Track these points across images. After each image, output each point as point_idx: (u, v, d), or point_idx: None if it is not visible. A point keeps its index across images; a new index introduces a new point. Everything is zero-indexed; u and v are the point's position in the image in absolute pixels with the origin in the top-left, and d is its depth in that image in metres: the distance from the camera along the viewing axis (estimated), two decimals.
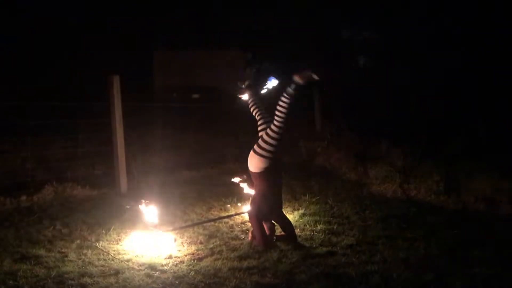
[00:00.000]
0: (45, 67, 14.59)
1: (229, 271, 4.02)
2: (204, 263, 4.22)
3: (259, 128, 4.89)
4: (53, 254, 4.46)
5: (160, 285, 3.81)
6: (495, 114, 9.11)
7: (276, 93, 4.86)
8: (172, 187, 7.16)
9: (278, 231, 4.91)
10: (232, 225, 5.46)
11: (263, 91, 5.13)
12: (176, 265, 4.20)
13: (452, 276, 3.89)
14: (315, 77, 4.62)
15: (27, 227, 5.27)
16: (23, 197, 6.34)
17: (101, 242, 4.80)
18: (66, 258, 4.35)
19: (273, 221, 4.85)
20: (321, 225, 5.26)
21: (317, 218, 5.54)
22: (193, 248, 4.65)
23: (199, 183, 7.57)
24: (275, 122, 4.60)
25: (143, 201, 5.11)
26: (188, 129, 10.34)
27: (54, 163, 7.63)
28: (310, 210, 5.93)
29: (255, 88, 5.20)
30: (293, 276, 3.93)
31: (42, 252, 4.49)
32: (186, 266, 4.17)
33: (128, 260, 4.31)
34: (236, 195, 6.51)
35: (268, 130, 4.65)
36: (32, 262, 4.22)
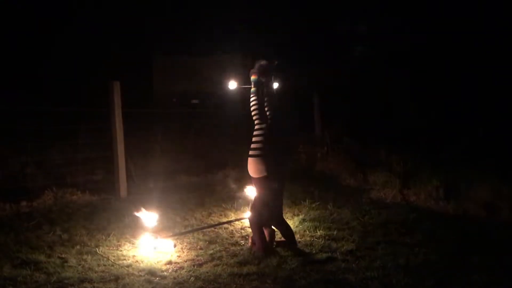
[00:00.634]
0: (46, 72, 14.60)
1: (229, 277, 4.02)
2: (204, 269, 4.22)
3: (258, 127, 4.76)
4: (53, 259, 4.46)
5: None
6: (494, 120, 9.13)
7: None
8: (172, 193, 7.16)
9: (278, 236, 4.91)
10: (232, 231, 5.46)
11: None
12: (176, 271, 4.20)
13: (451, 282, 3.89)
14: (258, 64, 4.71)
15: (27, 232, 5.26)
16: (23, 203, 6.33)
17: (101, 247, 4.80)
18: (66, 264, 4.35)
19: (273, 227, 4.85)
20: (321, 231, 5.26)
21: (317, 223, 5.53)
22: (193, 254, 4.65)
23: (199, 189, 7.56)
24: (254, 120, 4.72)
25: (142, 208, 5.09)
26: (187, 134, 10.36)
27: (54, 169, 7.63)
28: (310, 215, 5.93)
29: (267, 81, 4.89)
30: (293, 282, 3.93)
31: (42, 257, 4.48)
32: (186, 272, 4.17)
33: (128, 266, 4.31)
34: (236, 200, 6.52)
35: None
36: (32, 267, 4.22)
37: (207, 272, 4.14)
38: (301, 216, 5.89)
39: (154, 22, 17.16)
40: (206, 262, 4.40)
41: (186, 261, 4.43)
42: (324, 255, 4.52)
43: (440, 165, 7.25)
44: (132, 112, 8.20)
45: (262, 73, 4.81)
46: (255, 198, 4.89)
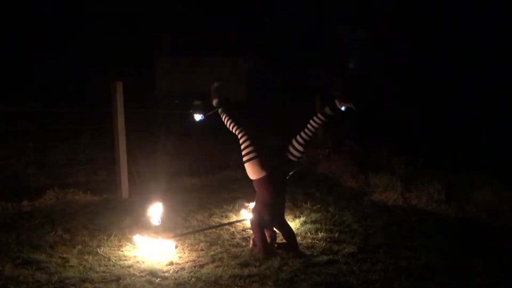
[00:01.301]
0: (48, 72, 14.63)
1: (230, 279, 4.02)
2: (205, 270, 4.22)
3: (241, 135, 4.91)
4: (54, 259, 4.46)
5: None
6: (497, 123, 9.12)
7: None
8: (174, 193, 7.16)
9: (280, 238, 4.91)
10: (233, 232, 5.46)
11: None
12: (177, 272, 4.20)
13: (453, 285, 3.89)
14: (351, 106, 4.82)
15: (28, 232, 5.27)
16: (25, 202, 6.34)
17: (102, 248, 4.81)
18: (67, 264, 4.35)
19: (274, 229, 4.85)
20: (322, 233, 5.26)
21: (319, 226, 5.53)
22: (194, 255, 4.66)
23: (201, 190, 7.56)
24: (303, 135, 4.82)
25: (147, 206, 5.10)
26: (190, 135, 10.36)
27: (55, 169, 7.65)
28: (311, 218, 5.92)
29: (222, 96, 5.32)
30: (294, 284, 3.93)
31: (43, 257, 4.49)
32: (187, 273, 4.17)
33: (129, 266, 4.32)
34: (237, 202, 6.52)
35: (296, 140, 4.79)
36: (34, 267, 4.23)
37: (208, 273, 4.14)
38: (302, 218, 5.89)
39: (157, 23, 17.18)
40: (207, 263, 4.40)
41: (187, 262, 4.44)
42: (326, 258, 4.52)
43: (442, 169, 7.23)
44: (134, 113, 8.21)
45: (219, 93, 5.29)
46: (256, 200, 4.89)
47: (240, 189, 7.21)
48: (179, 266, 4.33)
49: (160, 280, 4.01)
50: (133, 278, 4.05)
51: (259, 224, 4.72)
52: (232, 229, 5.55)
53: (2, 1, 14.78)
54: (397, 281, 3.92)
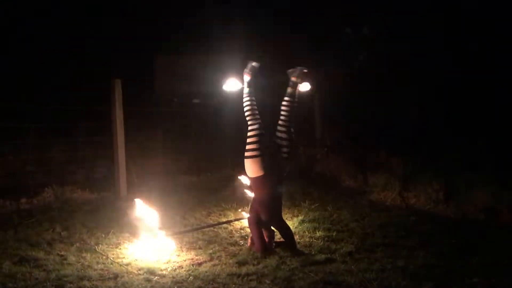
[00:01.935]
0: (46, 70, 14.61)
1: (227, 277, 4.02)
2: (203, 269, 4.22)
3: (251, 128, 4.78)
4: (52, 257, 4.46)
5: None
6: (495, 123, 9.13)
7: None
8: (172, 192, 7.17)
9: (277, 237, 4.91)
10: (231, 230, 5.47)
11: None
12: (175, 270, 4.20)
13: (450, 285, 3.89)
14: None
15: (26, 229, 5.27)
16: (23, 200, 6.35)
17: (100, 245, 4.81)
18: (65, 261, 4.35)
19: (272, 228, 4.86)
20: (320, 232, 5.27)
21: (316, 225, 5.54)
22: (192, 253, 4.66)
23: (199, 188, 7.57)
24: (280, 122, 4.82)
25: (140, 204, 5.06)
26: (188, 134, 10.36)
27: (54, 166, 7.64)
28: (309, 217, 5.93)
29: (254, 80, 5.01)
30: (292, 283, 3.93)
31: (41, 254, 4.49)
32: (185, 271, 4.18)
33: (127, 264, 4.32)
34: (235, 200, 6.52)
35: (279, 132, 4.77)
36: (31, 264, 4.22)
37: (206, 272, 4.14)
38: (300, 217, 5.90)
39: (157, 21, 17.16)
40: (205, 262, 4.41)
41: (185, 260, 4.44)
42: (323, 256, 4.52)
43: (440, 169, 7.24)
44: (133, 111, 8.20)
45: (254, 73, 4.95)
46: (254, 199, 4.90)
47: (238, 188, 7.19)
48: (177, 264, 4.33)
49: (158, 278, 4.01)
50: (131, 276, 4.05)
51: (257, 222, 4.72)
52: (230, 228, 5.56)
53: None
54: (395, 281, 3.92)
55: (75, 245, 4.78)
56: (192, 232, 5.30)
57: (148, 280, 3.96)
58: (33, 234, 5.10)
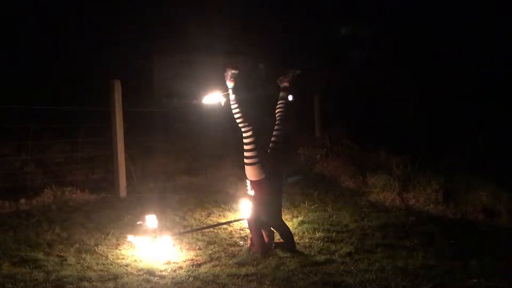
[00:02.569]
0: (45, 71, 14.61)
1: (227, 278, 4.03)
2: (202, 269, 4.23)
3: (246, 135, 4.71)
4: (52, 257, 4.47)
5: None
6: (493, 124, 9.14)
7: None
8: (171, 192, 7.17)
9: (277, 238, 4.92)
10: (231, 231, 5.47)
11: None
12: (174, 271, 4.20)
13: (450, 286, 3.90)
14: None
15: (26, 230, 5.28)
16: (23, 201, 6.35)
17: (100, 246, 4.81)
18: (65, 262, 4.36)
19: (272, 228, 4.86)
20: (319, 233, 5.27)
21: (316, 225, 5.54)
22: (191, 254, 4.66)
23: (198, 189, 7.57)
24: (276, 127, 4.83)
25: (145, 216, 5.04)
26: (187, 134, 10.37)
27: (53, 167, 7.65)
28: (309, 217, 5.93)
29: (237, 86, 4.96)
30: (292, 283, 3.94)
31: (41, 255, 4.50)
32: (184, 272, 4.18)
33: (126, 265, 4.32)
34: (235, 201, 6.52)
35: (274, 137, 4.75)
36: (31, 265, 4.23)
37: (206, 273, 4.14)
38: (300, 218, 5.90)
39: (156, 21, 17.17)
40: (204, 263, 4.41)
41: (185, 261, 4.44)
42: (323, 257, 4.53)
43: (439, 169, 7.25)
44: (133, 112, 8.21)
45: (236, 79, 4.87)
46: (254, 199, 4.90)
47: (238, 189, 7.20)
48: (177, 265, 4.34)
49: (157, 279, 4.02)
50: (131, 276, 4.05)
51: (257, 223, 4.72)
52: (230, 228, 5.56)
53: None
54: (394, 281, 3.93)
55: (74, 246, 4.78)
56: (191, 233, 5.30)
57: (148, 281, 3.97)
58: (32, 235, 5.11)
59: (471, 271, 4.17)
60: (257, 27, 16.91)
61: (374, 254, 4.61)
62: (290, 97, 5.07)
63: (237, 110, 4.74)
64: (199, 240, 5.06)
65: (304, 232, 5.32)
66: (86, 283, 3.88)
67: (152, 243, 4.76)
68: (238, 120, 4.74)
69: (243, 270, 4.18)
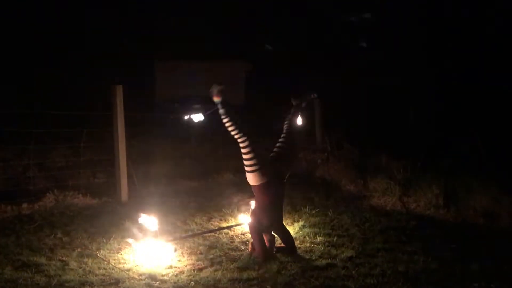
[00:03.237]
0: (48, 76, 14.66)
1: (228, 282, 4.04)
2: (204, 274, 4.24)
3: (243, 145, 4.71)
4: (53, 262, 4.48)
5: None
6: (494, 128, 9.14)
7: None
8: (173, 197, 7.18)
9: (278, 242, 4.92)
10: (232, 236, 5.48)
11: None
12: (176, 275, 4.21)
13: None
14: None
15: (28, 235, 5.29)
16: (24, 205, 6.36)
17: (101, 251, 4.82)
18: (66, 267, 4.37)
19: (273, 233, 4.87)
20: (320, 237, 5.28)
21: (317, 230, 5.55)
22: (193, 258, 4.67)
23: (200, 194, 7.58)
24: (283, 134, 4.98)
25: (142, 214, 5.05)
26: (189, 139, 10.39)
27: (55, 172, 7.67)
28: (310, 222, 5.94)
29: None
30: None
31: (42, 260, 4.51)
32: (186, 276, 4.19)
33: (128, 270, 4.33)
34: (236, 206, 6.53)
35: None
36: (33, 270, 4.24)
37: (207, 277, 4.15)
38: (301, 222, 5.90)
39: (157, 27, 17.22)
40: (206, 267, 4.42)
41: (186, 266, 4.45)
42: (324, 262, 4.54)
43: (440, 173, 7.25)
44: (134, 116, 8.23)
45: (222, 94, 4.75)
46: (255, 204, 4.91)
47: (239, 193, 7.21)
48: (178, 270, 4.35)
49: (159, 284, 4.03)
50: (132, 281, 4.06)
51: (258, 228, 4.73)
52: (231, 233, 5.57)
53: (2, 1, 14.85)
54: (395, 286, 3.94)
55: (76, 251, 4.79)
56: (193, 237, 5.31)
57: (149, 286, 3.98)
58: (34, 240, 5.12)
59: (472, 275, 4.18)
60: (257, 27, 16.97)
61: (375, 259, 4.62)
62: (299, 121, 5.23)
63: (229, 123, 4.67)
64: (201, 245, 5.07)
65: (305, 237, 5.33)
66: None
67: (153, 246, 4.77)
68: (232, 133, 4.69)
69: (245, 275, 4.18)
